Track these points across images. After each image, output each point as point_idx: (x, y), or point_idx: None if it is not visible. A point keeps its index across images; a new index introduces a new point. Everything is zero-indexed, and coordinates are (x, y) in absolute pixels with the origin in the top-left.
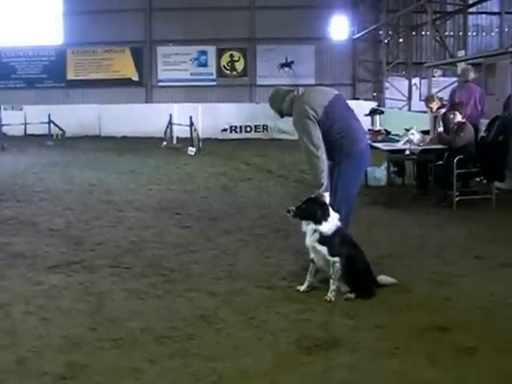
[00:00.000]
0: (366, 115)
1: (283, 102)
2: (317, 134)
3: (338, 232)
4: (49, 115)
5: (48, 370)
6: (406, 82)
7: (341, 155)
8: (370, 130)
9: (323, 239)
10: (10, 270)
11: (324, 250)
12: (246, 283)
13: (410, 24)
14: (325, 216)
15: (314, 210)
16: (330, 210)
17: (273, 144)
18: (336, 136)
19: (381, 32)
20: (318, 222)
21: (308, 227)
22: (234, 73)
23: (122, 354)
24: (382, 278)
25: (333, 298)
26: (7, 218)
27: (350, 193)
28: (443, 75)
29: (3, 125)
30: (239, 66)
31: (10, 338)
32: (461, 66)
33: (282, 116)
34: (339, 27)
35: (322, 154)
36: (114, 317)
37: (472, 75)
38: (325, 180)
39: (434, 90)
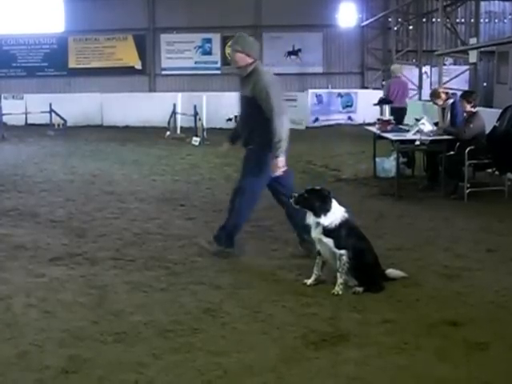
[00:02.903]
0: (375, 104)
1: (250, 55)
2: (284, 103)
3: (344, 224)
4: (50, 104)
5: (50, 363)
6: (417, 70)
7: (263, 140)
8: (378, 119)
9: (328, 231)
10: (11, 262)
11: (330, 242)
12: (251, 276)
13: (420, 11)
14: (324, 209)
15: (313, 202)
16: (335, 203)
17: None
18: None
19: (390, 19)
20: (316, 214)
21: (311, 219)
22: None
23: (125, 348)
24: (391, 272)
25: (340, 292)
26: (8, 209)
27: (262, 179)
28: (454, 63)
29: (4, 114)
30: None
31: (11, 331)
32: (394, 65)
33: (238, 67)
34: (347, 14)
35: (287, 119)
36: (117, 310)
37: (401, 71)
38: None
39: (444, 79)
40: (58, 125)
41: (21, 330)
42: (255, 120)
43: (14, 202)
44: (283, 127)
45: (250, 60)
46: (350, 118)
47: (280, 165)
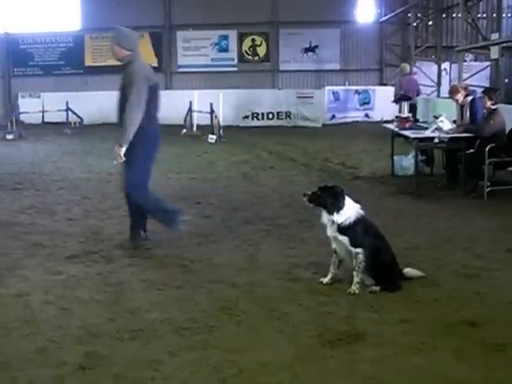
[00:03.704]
0: (394, 102)
1: (126, 48)
2: (145, 97)
3: (359, 222)
4: (67, 103)
5: (67, 359)
6: (436, 66)
7: (137, 131)
8: (397, 117)
9: (343, 229)
10: (29, 260)
11: (345, 240)
12: (267, 274)
13: (440, 5)
14: (337, 207)
15: (326, 200)
16: (349, 200)
17: (296, 131)
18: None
19: (409, 14)
20: (329, 211)
21: (325, 218)
22: (256, 58)
23: (141, 346)
24: (409, 271)
25: (357, 291)
26: (26, 207)
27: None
28: (475, 59)
29: (21, 113)
30: (261, 50)
31: (30, 327)
32: (404, 64)
33: (118, 59)
34: (365, 10)
35: (142, 114)
36: (133, 307)
37: (409, 69)
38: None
39: (464, 75)
40: (75, 123)
41: (39, 326)
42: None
43: (32, 200)
44: (133, 120)
45: (126, 52)
46: (367, 115)
47: (120, 154)
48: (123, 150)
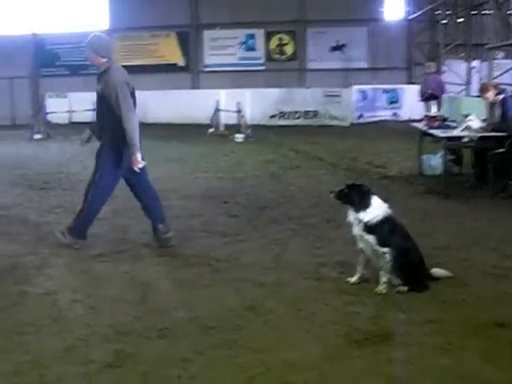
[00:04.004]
0: (421, 100)
1: (102, 55)
2: (131, 101)
3: (386, 221)
4: (93, 103)
5: (95, 357)
6: (465, 64)
7: (113, 137)
8: (425, 116)
9: (369, 228)
10: (57, 259)
11: (372, 239)
12: (294, 274)
13: (470, 2)
14: (364, 205)
15: (353, 197)
16: (377, 199)
17: (323, 130)
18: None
19: (438, 12)
20: (356, 209)
21: (352, 216)
22: (283, 57)
23: (169, 344)
24: (437, 271)
25: (384, 291)
26: (54, 207)
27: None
28: (506, 57)
29: (48, 113)
30: (288, 49)
31: (58, 325)
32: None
33: (92, 63)
34: (393, 7)
35: (136, 117)
36: (160, 306)
37: (435, 67)
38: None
39: (495, 73)
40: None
41: (67, 324)
42: (105, 117)
43: (60, 200)
44: (133, 125)
45: (102, 60)
46: (395, 114)
47: (138, 160)
48: (139, 155)
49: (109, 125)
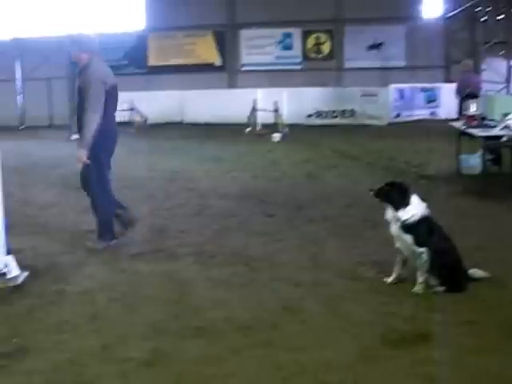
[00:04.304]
0: (460, 99)
1: (85, 51)
2: (103, 99)
3: (424, 220)
4: (131, 102)
5: (132, 355)
6: (505, 63)
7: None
8: (464, 114)
9: (407, 227)
10: (95, 258)
11: (409, 238)
12: (331, 273)
13: None
14: (403, 203)
15: (393, 195)
16: (416, 198)
17: (360, 130)
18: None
19: (478, 9)
20: (396, 207)
21: (390, 214)
22: (320, 56)
23: (205, 343)
24: (475, 272)
25: (421, 291)
26: (90, 206)
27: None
28: None
29: None
30: (325, 48)
31: (96, 323)
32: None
33: (75, 64)
34: (431, 5)
35: (100, 117)
36: (197, 305)
37: (471, 65)
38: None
39: None
40: (139, 122)
41: (104, 323)
42: (83, 110)
43: None
44: (92, 125)
45: (85, 55)
46: (433, 113)
47: (81, 156)
48: (84, 152)
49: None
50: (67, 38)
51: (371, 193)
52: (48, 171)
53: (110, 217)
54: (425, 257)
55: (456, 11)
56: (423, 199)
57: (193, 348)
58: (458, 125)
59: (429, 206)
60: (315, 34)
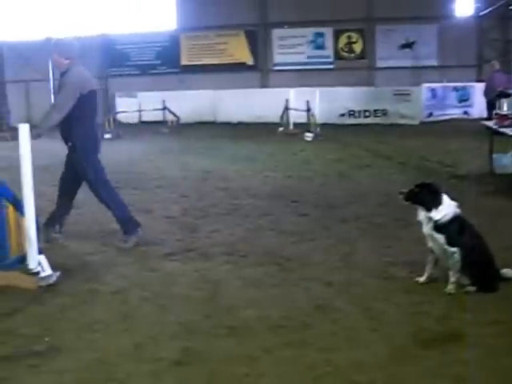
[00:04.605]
0: (491, 98)
1: (65, 57)
2: (71, 104)
3: (455, 220)
4: (163, 102)
5: (163, 355)
6: None
7: (76, 132)
8: (496, 114)
9: (439, 227)
10: (127, 257)
11: (441, 238)
12: (363, 273)
13: None
14: (435, 203)
15: (424, 196)
16: (446, 197)
17: (392, 129)
18: (76, 121)
19: (510, 7)
20: (428, 208)
21: (422, 215)
22: (352, 55)
23: (237, 342)
24: (507, 272)
25: (453, 291)
26: None
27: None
28: None
29: (118, 112)
30: (357, 47)
31: (127, 323)
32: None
33: (59, 68)
34: (464, 4)
35: (60, 118)
36: (229, 305)
37: (498, 65)
38: (43, 133)
39: None
40: (172, 122)
41: (136, 322)
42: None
43: (129, 199)
44: (51, 121)
45: (65, 61)
46: (465, 112)
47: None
48: (35, 136)
49: (67, 121)
50: (97, 37)
51: (401, 197)
52: None
53: (123, 209)
54: (457, 256)
55: (488, 10)
56: (454, 198)
57: (224, 347)
58: (491, 124)
59: (460, 206)
60: (347, 33)
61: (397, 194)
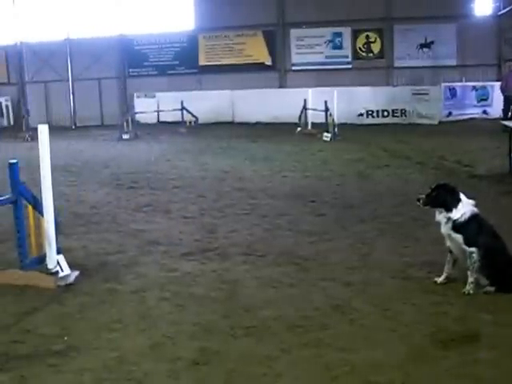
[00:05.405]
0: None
1: None
2: None
3: (473, 219)
4: (181, 102)
5: (181, 355)
6: None
7: None
8: None
9: (457, 226)
10: (145, 257)
11: (459, 238)
12: (381, 273)
13: None
14: (454, 202)
15: (443, 197)
16: (463, 197)
17: (411, 129)
18: None
19: None
20: (448, 209)
21: (440, 216)
22: (371, 55)
23: (255, 342)
24: None
25: (471, 291)
26: (142, 206)
27: None
28: None
29: (136, 112)
30: (375, 47)
31: (146, 322)
32: None
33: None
34: (483, 3)
35: None
36: (247, 305)
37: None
38: None
39: None
40: (190, 122)
41: (154, 322)
42: None
43: (148, 199)
44: None
45: None
46: (485, 111)
47: None
48: None
49: None
50: (116, 38)
51: (418, 203)
52: (99, 171)
53: None
54: (475, 256)
55: (508, 8)
56: (472, 198)
57: (242, 347)
58: (510, 123)
59: (479, 205)
60: (365, 33)
61: (415, 194)
